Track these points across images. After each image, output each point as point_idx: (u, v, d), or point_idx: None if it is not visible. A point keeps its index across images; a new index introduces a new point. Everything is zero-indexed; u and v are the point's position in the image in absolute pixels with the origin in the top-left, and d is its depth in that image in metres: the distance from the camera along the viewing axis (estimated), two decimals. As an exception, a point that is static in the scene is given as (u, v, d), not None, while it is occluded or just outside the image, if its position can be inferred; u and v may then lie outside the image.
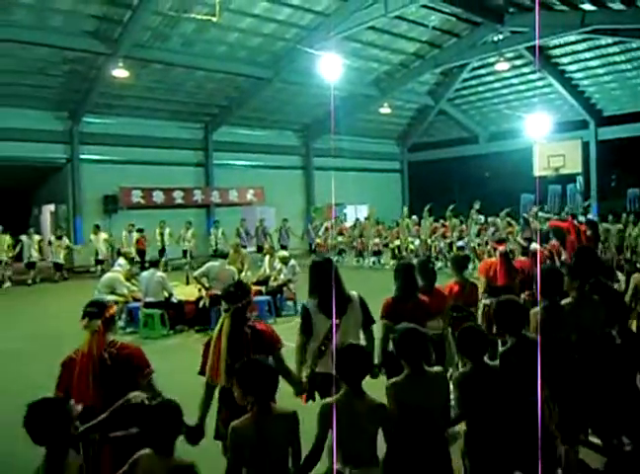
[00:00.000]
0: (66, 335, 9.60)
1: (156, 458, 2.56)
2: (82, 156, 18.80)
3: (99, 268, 16.91)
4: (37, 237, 16.69)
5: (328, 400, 3.07)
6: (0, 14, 13.55)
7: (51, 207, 21.13)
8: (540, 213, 16.42)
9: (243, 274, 10.99)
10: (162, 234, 17.92)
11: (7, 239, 15.96)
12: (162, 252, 17.22)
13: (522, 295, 6.69)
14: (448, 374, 4.37)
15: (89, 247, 17.28)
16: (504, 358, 3.60)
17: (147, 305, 9.45)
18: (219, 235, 18.95)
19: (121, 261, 11.42)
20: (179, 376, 7.26)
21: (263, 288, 10.87)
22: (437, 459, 3.17)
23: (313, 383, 4.05)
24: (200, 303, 9.67)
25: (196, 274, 9.78)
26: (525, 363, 3.43)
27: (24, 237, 16.35)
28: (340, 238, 19.15)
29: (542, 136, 21.37)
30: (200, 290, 9.78)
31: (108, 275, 10.77)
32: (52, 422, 2.52)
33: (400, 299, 4.65)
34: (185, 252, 18.39)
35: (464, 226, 17.03)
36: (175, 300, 9.75)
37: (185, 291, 10.65)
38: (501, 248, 7.26)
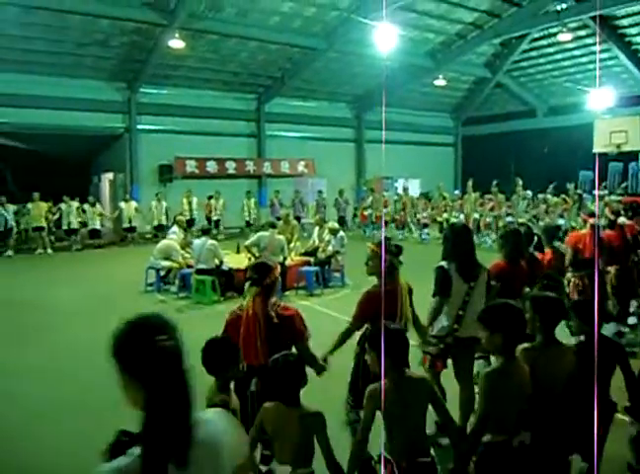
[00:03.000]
0: (111, 298, 10.08)
1: (285, 408, 2.76)
2: (139, 126, 19.30)
3: (129, 235, 17.53)
4: (75, 204, 16.83)
5: (493, 367, 2.99)
6: (64, -14, 13.97)
7: (110, 176, 21.82)
8: (594, 191, 16.13)
9: (292, 244, 11.17)
10: (190, 203, 18.15)
11: (45, 206, 16.22)
12: (192, 222, 17.30)
13: (611, 269, 7.09)
14: None
15: (121, 215, 17.64)
16: None
17: (199, 272, 9.74)
18: (252, 206, 19.20)
19: (175, 228, 11.80)
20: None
21: (311, 259, 11.02)
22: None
23: (448, 350, 4.15)
24: (250, 272, 9.89)
25: (247, 243, 10.01)
26: None
27: (62, 205, 16.63)
28: (385, 210, 19.20)
29: (605, 111, 20.53)
30: (249, 259, 10.00)
31: (164, 241, 11.19)
32: (224, 356, 2.98)
33: (509, 264, 4.90)
34: (214, 222, 18.34)
35: (511, 203, 16.93)
36: (225, 268, 10.01)
37: (235, 260, 10.91)
38: (591, 220, 7.42)
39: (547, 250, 6.30)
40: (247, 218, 19.24)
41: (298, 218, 18.45)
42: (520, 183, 17.21)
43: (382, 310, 3.43)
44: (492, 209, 16.82)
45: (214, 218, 18.43)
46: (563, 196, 16.00)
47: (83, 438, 4.65)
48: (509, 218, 16.32)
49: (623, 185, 17.34)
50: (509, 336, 2.87)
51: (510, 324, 2.87)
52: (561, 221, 14.70)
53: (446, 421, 2.96)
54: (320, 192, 20.28)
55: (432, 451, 2.93)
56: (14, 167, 22.61)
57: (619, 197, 13.21)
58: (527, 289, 5.19)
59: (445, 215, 17.91)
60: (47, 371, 6.28)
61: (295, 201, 19.62)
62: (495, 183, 17.48)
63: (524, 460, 2.83)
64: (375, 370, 2.85)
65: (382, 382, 2.80)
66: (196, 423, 1.48)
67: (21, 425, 4.93)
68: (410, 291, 4.18)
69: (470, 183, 18.40)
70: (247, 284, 3.63)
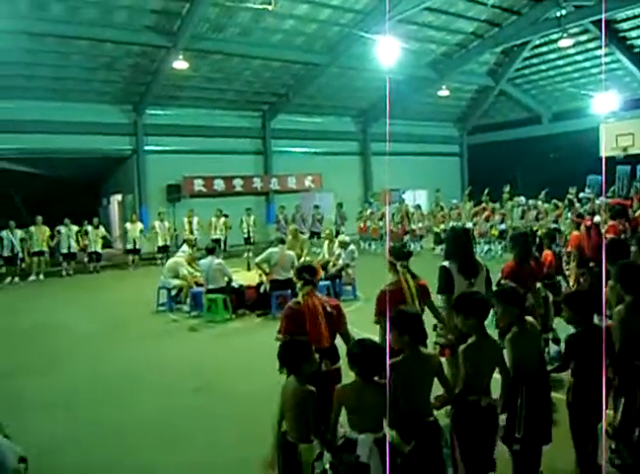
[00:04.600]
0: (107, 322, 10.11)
1: (363, 384, 3.14)
2: (146, 147, 19.47)
3: (130, 257, 17.28)
4: (75, 227, 16.51)
5: (468, 343, 3.54)
6: (71, 13, 14.20)
7: (119, 197, 21.99)
8: (581, 194, 16.24)
9: (302, 259, 11.17)
10: (191, 223, 17.90)
11: (47, 230, 16.02)
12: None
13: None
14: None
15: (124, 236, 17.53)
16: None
17: (209, 292, 9.76)
18: (251, 223, 18.98)
19: (185, 247, 11.87)
20: (243, 357, 7.54)
21: (322, 274, 11.01)
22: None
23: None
24: (261, 288, 9.92)
25: (257, 260, 10.03)
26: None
27: (62, 228, 16.27)
28: (381, 223, 19.19)
29: (609, 115, 20.53)
30: (260, 276, 10.03)
31: (171, 259, 11.27)
32: (304, 352, 3.30)
33: (519, 264, 5.40)
34: (214, 241, 17.23)
35: (504, 210, 17.04)
36: (235, 285, 10.02)
37: (246, 277, 10.93)
38: (588, 222, 7.93)
39: (547, 252, 6.69)
40: (245, 235, 18.92)
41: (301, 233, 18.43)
42: (507, 190, 17.51)
43: (387, 305, 3.96)
44: (487, 219, 16.88)
45: (214, 237, 17.73)
46: (554, 201, 16.08)
47: (112, 465, 4.66)
48: (502, 226, 16.39)
49: (612, 188, 17.79)
50: (480, 318, 3.51)
51: (481, 309, 3.53)
52: (554, 226, 14.78)
53: (446, 387, 3.50)
54: (316, 206, 20.30)
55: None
56: (24, 192, 22.84)
57: (608, 200, 13.45)
58: (539, 285, 5.72)
59: (443, 226, 17.91)
60: (69, 402, 6.23)
61: (297, 217, 19.58)
62: (486, 192, 17.64)
63: (491, 417, 3.46)
64: (395, 346, 3.36)
65: (387, 361, 3.20)
66: None
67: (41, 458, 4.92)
68: (420, 291, 4.54)
69: (467, 192, 18.63)
70: (299, 284, 4.24)
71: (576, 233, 7.86)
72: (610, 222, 8.54)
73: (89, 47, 15.59)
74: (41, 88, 16.90)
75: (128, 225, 17.55)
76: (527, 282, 5.21)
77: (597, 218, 8.51)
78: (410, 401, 3.26)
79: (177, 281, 10.63)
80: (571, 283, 7.14)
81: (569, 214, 13.06)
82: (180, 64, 16.15)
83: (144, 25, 15.34)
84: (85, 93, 17.85)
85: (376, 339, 4.53)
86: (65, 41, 15.07)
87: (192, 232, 17.58)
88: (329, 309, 4.10)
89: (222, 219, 18.36)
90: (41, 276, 15.79)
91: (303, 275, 4.23)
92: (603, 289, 4.53)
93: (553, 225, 14.84)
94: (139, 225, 17.53)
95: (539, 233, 7.58)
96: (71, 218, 16.73)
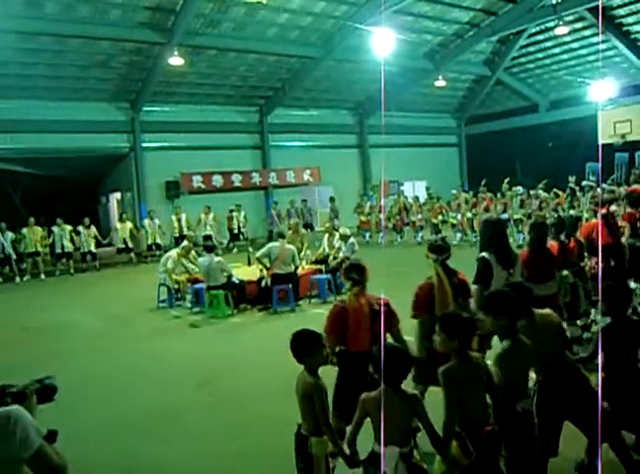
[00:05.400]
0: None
1: (390, 393, 3.01)
2: (144, 144, 19.42)
3: (123, 256, 17.21)
4: (68, 227, 16.26)
5: (504, 348, 3.39)
6: (66, 11, 14.16)
7: (118, 195, 21.97)
8: (584, 182, 16.30)
9: (303, 253, 11.19)
10: (179, 220, 17.54)
11: (40, 230, 15.97)
12: (180, 238, 16.04)
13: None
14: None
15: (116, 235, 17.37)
16: None
17: (210, 289, 9.75)
18: (241, 219, 18.93)
19: (185, 242, 11.88)
20: (244, 352, 7.56)
21: (322, 267, 11.01)
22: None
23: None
24: (262, 283, 9.92)
25: (258, 254, 10.03)
26: None
27: (55, 228, 16.14)
28: (381, 216, 19.22)
29: (607, 102, 20.49)
30: (261, 270, 10.02)
31: (165, 254, 11.26)
32: (308, 344, 3.21)
33: (535, 252, 5.28)
34: (204, 237, 16.83)
35: (506, 200, 17.06)
36: (236, 281, 10.01)
37: (247, 272, 10.92)
38: (603, 210, 7.87)
39: (571, 240, 6.70)
40: (235, 231, 18.87)
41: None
42: (507, 180, 17.56)
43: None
44: (486, 209, 16.93)
45: (205, 233, 17.35)
46: (555, 190, 16.11)
47: (112, 461, 4.67)
48: (504, 215, 16.47)
49: (612, 176, 17.77)
50: (512, 318, 3.34)
51: (511, 307, 3.34)
52: (560, 214, 14.84)
53: (492, 394, 3.31)
54: (304, 200, 20.33)
55: None
56: (22, 191, 22.85)
57: (613, 188, 13.40)
58: (565, 272, 5.70)
59: (441, 217, 17.97)
60: (68, 398, 6.22)
61: (291, 211, 19.51)
62: (483, 182, 17.67)
63: (527, 422, 3.31)
64: (443, 350, 3.22)
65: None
66: None
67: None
68: (458, 287, 4.35)
69: (460, 183, 18.68)
70: (348, 285, 4.11)
71: (593, 221, 7.90)
72: (628, 210, 8.52)
73: (84, 45, 15.55)
74: (37, 87, 16.83)
75: (118, 225, 17.44)
76: (547, 270, 5.19)
77: (613, 207, 8.50)
78: (465, 410, 3.11)
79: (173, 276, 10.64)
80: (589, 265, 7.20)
81: (586, 202, 13.09)
82: (175, 60, 16.11)
83: (138, 21, 15.29)
84: (81, 91, 17.80)
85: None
86: (60, 40, 15.03)
87: (181, 229, 17.28)
88: (376, 308, 3.92)
89: (211, 215, 18.24)
90: (42, 276, 15.74)
91: (351, 275, 4.08)
92: (599, 278, 4.50)
93: (554, 214, 14.93)
94: (129, 224, 17.42)
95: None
96: (71, 217, 16.77)
